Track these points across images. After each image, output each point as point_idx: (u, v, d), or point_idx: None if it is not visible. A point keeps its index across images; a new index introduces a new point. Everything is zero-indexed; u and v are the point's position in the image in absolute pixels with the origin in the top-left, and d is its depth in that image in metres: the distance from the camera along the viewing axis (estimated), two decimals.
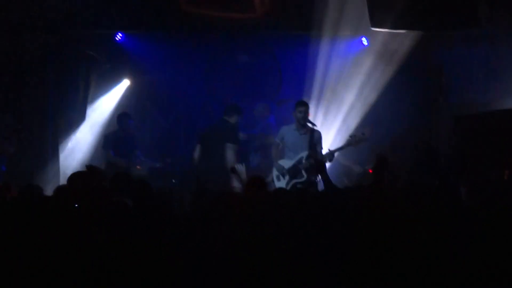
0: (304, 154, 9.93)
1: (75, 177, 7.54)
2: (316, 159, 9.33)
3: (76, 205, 5.93)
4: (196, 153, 10.49)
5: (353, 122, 11.71)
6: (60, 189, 7.12)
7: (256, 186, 7.35)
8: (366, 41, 11.78)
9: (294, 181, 9.90)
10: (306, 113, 10.07)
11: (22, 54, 10.29)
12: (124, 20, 10.31)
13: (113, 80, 12.19)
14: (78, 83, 11.72)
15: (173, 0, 10.21)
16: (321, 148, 10.05)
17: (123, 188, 6.98)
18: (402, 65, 11.85)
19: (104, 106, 12.10)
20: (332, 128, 11.49)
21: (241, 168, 8.38)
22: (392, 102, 12.01)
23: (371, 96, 11.94)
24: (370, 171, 7.77)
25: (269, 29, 11.01)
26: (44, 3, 9.63)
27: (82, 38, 11.12)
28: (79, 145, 11.55)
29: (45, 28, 10.17)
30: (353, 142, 9.97)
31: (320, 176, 7.39)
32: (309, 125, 10.04)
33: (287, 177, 9.94)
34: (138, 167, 10.74)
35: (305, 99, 10.67)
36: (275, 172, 10.12)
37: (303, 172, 9.87)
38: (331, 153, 9.86)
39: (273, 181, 10.04)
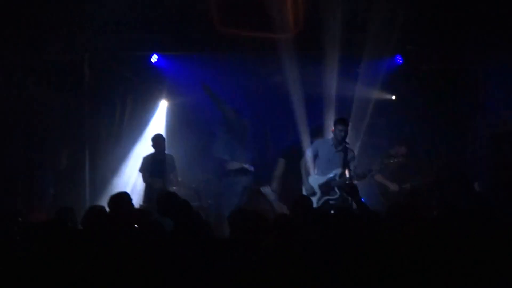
0: (338, 171, 9.89)
1: (114, 198, 7.65)
2: (349, 182, 9.28)
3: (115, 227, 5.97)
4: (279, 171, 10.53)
5: (385, 141, 11.70)
6: (96, 210, 7.23)
7: (301, 206, 7.35)
8: (400, 59, 11.75)
9: (326, 197, 9.88)
10: (346, 131, 10.01)
11: (58, 75, 10.39)
12: (159, 42, 10.38)
13: (149, 102, 12.30)
14: (115, 105, 11.85)
15: (208, 21, 10.26)
16: (354, 166, 10.00)
17: (165, 208, 7.05)
18: (436, 82, 11.85)
19: (140, 128, 12.20)
20: (363, 147, 11.46)
21: (267, 190, 8.38)
22: (427, 121, 11.99)
23: (404, 114, 11.96)
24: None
25: (303, 49, 11.00)
26: (79, 24, 9.72)
27: (118, 59, 11.23)
28: (117, 167, 11.64)
29: (82, 49, 10.27)
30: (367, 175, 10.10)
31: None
32: (345, 143, 9.98)
33: (318, 193, 9.92)
34: (174, 187, 10.76)
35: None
36: (305, 187, 10.11)
37: (336, 189, 9.84)
38: (364, 174, 9.93)
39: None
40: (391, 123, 12.65)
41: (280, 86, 12.14)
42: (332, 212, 7.79)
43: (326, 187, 9.91)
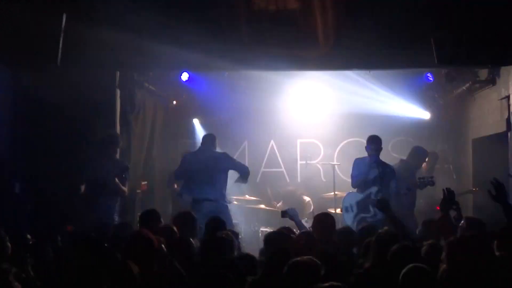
0: (373, 189, 9.93)
1: (143, 216, 7.70)
2: (381, 198, 9.24)
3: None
4: None
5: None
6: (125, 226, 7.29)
7: (324, 224, 7.32)
8: (431, 76, 11.68)
9: (362, 215, 9.93)
10: (377, 148, 10.04)
11: (91, 92, 10.47)
12: (190, 59, 10.43)
13: (179, 119, 12.37)
14: (145, 122, 11.91)
15: (238, 39, 10.29)
16: (395, 184, 9.98)
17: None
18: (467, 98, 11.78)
19: (169, 144, 12.27)
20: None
21: (293, 211, 8.40)
22: (458, 138, 11.91)
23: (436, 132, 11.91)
24: (438, 207, 7.64)
25: (333, 66, 10.98)
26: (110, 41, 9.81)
27: (150, 77, 11.32)
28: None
29: (113, 66, 10.35)
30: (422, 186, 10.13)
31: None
32: (382, 160, 10.06)
33: (355, 210, 9.97)
34: None
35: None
36: (344, 204, 10.23)
37: (370, 207, 9.85)
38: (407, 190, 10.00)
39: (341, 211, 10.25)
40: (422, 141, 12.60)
41: (310, 103, 12.17)
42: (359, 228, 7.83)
43: (362, 205, 9.97)
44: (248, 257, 6.37)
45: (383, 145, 10.17)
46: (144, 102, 11.72)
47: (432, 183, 10.12)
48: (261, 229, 11.65)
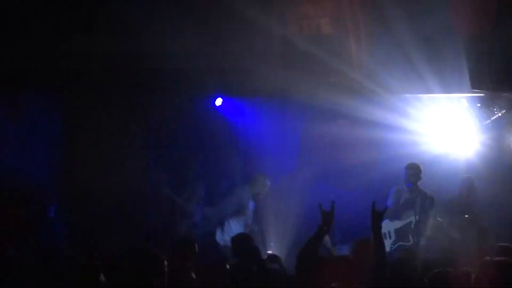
0: (413, 218, 9.91)
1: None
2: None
3: None
4: None
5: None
6: None
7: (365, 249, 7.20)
8: (466, 101, 11.59)
9: (400, 243, 9.90)
10: (416, 176, 10.01)
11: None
12: (223, 85, 10.51)
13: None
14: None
15: (271, 65, 10.35)
16: (433, 213, 9.97)
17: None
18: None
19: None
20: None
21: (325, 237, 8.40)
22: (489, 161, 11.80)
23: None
24: None
25: (366, 91, 10.97)
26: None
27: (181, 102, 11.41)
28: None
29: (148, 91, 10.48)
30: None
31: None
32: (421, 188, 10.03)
33: (393, 237, 9.90)
34: None
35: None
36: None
37: (410, 236, 9.86)
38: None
39: None
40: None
41: (342, 128, 12.13)
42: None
43: (401, 233, 9.93)
44: None
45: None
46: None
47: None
48: None
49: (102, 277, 5.87)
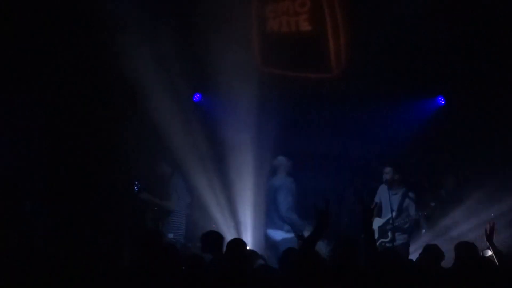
0: (393, 214, 10.01)
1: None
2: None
3: None
4: None
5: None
6: None
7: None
8: (443, 100, 11.67)
9: (382, 240, 10.01)
10: (391, 174, 10.13)
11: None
12: (202, 81, 10.48)
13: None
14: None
15: (251, 61, 10.35)
16: (414, 210, 10.06)
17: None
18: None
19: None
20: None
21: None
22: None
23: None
24: None
25: (345, 88, 11.02)
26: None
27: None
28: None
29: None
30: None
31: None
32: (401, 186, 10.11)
33: (376, 235, 9.92)
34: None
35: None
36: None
37: (389, 232, 9.98)
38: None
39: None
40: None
41: (322, 125, 12.17)
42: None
43: (382, 230, 10.06)
44: None
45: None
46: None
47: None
48: None
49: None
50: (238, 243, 6.90)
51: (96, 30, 9.70)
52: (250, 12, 10.31)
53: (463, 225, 10.43)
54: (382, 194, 10.22)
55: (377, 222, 10.05)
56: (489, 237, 6.81)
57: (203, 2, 10.12)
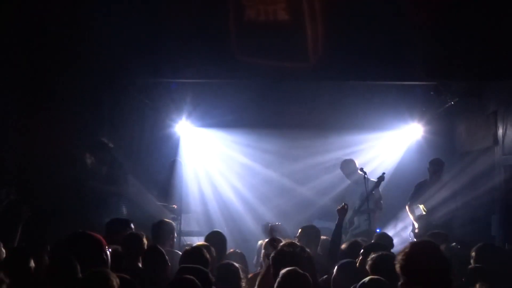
0: (357, 204, 10.75)
1: None
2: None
3: None
4: None
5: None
6: None
7: None
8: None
9: (351, 229, 10.76)
10: (348, 170, 11.29)
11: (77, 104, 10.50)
12: (179, 69, 10.42)
13: (167, 127, 12.36)
14: (133, 131, 11.88)
15: (227, 49, 10.31)
16: (376, 195, 10.75)
17: None
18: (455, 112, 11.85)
19: (157, 153, 12.26)
20: None
21: (280, 227, 8.90)
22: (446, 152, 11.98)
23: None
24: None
25: (324, 77, 11.01)
26: (100, 51, 9.81)
27: (138, 86, 11.29)
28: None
29: (101, 76, 10.35)
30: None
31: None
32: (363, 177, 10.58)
33: (347, 225, 10.65)
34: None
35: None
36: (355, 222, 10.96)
37: (355, 219, 10.77)
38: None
39: None
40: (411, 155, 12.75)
41: (298, 114, 12.18)
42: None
43: (351, 221, 10.80)
44: None
45: None
46: (132, 110, 11.75)
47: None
48: None
49: (32, 263, 5.81)
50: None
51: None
52: (226, 0, 10.27)
53: None
54: (348, 188, 11.34)
55: (348, 214, 10.42)
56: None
57: None
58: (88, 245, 5.53)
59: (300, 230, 8.29)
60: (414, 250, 4.03)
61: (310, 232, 8.17)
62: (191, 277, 5.21)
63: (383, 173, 10.67)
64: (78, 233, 5.68)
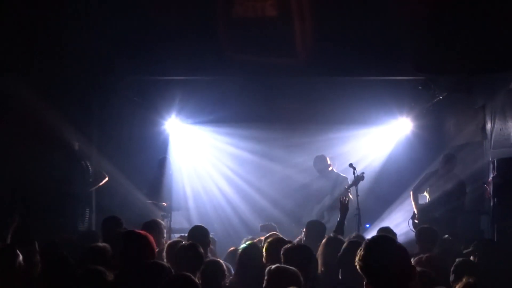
0: (327, 198, 11.11)
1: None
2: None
3: None
4: None
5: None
6: None
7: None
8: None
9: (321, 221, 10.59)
10: (319, 165, 11.53)
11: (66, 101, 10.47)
12: (167, 66, 10.41)
13: (156, 125, 12.35)
14: (122, 127, 11.86)
15: (216, 46, 10.30)
16: (343, 190, 10.67)
17: None
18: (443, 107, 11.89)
19: (146, 150, 12.25)
20: None
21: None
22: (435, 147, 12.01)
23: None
24: None
25: (313, 73, 11.02)
26: (88, 48, 9.78)
27: (127, 83, 11.26)
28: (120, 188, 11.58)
29: (90, 73, 10.32)
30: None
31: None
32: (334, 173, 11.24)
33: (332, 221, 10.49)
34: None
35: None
36: (325, 217, 11.07)
37: (325, 213, 10.96)
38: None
39: None
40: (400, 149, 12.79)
41: (287, 110, 12.19)
42: None
43: (319, 214, 11.10)
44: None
45: None
46: (121, 107, 11.75)
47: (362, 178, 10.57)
48: None
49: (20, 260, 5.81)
50: None
51: None
52: None
53: None
54: (316, 182, 11.66)
55: (315, 209, 11.19)
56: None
57: None
58: None
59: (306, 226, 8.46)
60: (369, 247, 3.91)
61: (315, 228, 8.23)
62: (188, 274, 5.16)
63: (363, 173, 10.66)
64: None
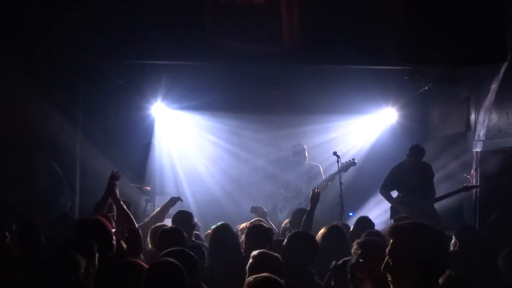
0: (303, 186, 11.37)
1: None
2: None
3: None
4: None
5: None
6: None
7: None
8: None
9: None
10: (297, 154, 11.84)
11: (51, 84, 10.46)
12: (154, 51, 10.40)
13: (142, 109, 12.35)
14: (108, 111, 11.86)
15: (203, 32, 10.29)
16: (318, 180, 11.14)
17: None
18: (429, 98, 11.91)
19: (132, 134, 12.25)
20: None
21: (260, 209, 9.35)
22: (421, 137, 12.07)
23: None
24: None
25: (298, 61, 11.03)
26: (74, 32, 9.76)
27: (112, 67, 11.24)
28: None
29: (75, 58, 10.30)
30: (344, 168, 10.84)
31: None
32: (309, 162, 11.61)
33: (288, 208, 11.18)
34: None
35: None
36: (278, 205, 11.56)
37: (302, 201, 10.95)
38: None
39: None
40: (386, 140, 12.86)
41: (273, 98, 12.21)
42: None
43: (295, 201, 11.31)
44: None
45: None
46: (107, 91, 11.74)
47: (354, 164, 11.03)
48: None
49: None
50: None
51: None
52: None
53: None
54: (290, 171, 12.10)
55: (285, 197, 11.73)
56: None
57: None
58: None
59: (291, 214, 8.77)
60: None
61: (300, 215, 8.27)
62: (172, 259, 5.14)
63: (354, 159, 10.86)
64: None
